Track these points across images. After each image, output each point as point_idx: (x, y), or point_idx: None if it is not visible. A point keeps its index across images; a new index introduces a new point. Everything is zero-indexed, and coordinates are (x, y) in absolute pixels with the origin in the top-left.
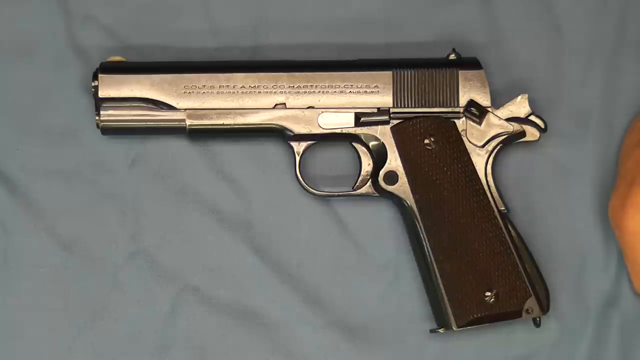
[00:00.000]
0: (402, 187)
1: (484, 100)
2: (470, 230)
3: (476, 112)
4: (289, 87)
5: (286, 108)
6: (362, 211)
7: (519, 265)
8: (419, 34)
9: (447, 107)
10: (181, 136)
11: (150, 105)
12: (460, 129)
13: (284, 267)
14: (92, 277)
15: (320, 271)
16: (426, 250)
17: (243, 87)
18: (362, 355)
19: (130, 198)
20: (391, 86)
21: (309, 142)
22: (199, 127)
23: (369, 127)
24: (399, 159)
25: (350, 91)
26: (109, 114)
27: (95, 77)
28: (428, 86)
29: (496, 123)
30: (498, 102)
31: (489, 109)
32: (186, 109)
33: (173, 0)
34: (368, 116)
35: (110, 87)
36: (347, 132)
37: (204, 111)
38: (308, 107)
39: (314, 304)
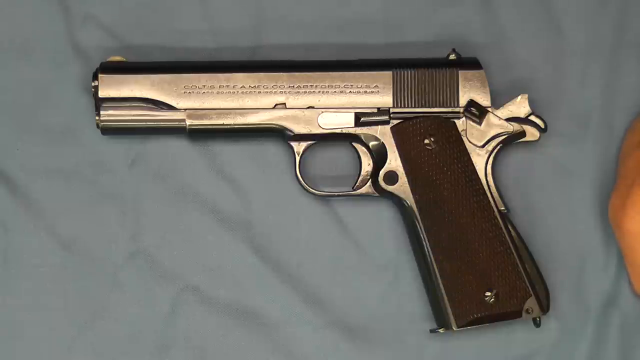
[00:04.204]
0: (402, 187)
1: (484, 100)
2: (470, 230)
3: (476, 112)
4: (289, 87)
5: (286, 108)
6: (362, 211)
7: (519, 265)
8: (419, 34)
9: (447, 107)
10: (181, 136)
11: (150, 105)
12: (460, 129)
13: (284, 267)
14: (92, 277)
15: (320, 271)
16: (426, 250)
17: (243, 87)
18: (362, 355)
19: (130, 198)
20: (391, 86)
21: (309, 142)
22: (199, 127)
23: (369, 127)
24: (399, 159)
25: (350, 91)
26: (109, 114)
27: (95, 77)
28: (428, 86)
29: (496, 123)
30: (498, 102)
31: (489, 109)
32: (186, 109)
33: (173, 0)
34: (368, 116)
35: (110, 87)
36: (347, 132)
37: (204, 111)
38: (308, 107)
39: (314, 304)
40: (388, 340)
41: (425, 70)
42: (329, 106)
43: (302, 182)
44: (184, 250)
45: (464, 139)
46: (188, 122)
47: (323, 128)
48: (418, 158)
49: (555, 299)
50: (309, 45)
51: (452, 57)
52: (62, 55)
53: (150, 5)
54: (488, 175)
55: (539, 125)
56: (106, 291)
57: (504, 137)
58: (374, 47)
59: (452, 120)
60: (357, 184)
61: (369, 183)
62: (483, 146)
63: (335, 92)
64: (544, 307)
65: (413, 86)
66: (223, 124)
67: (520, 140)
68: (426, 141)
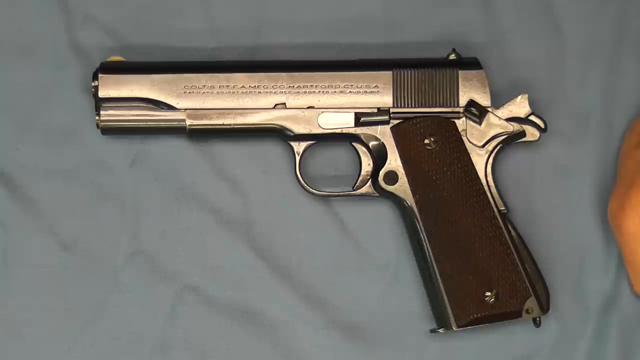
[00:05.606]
0: (402, 187)
1: (484, 100)
2: (470, 230)
3: (476, 112)
4: (289, 87)
5: (286, 108)
6: (362, 211)
7: (519, 265)
8: (419, 34)
9: (447, 107)
10: (181, 136)
11: (150, 105)
12: (460, 129)
13: (284, 267)
14: (92, 277)
15: (320, 271)
16: (426, 250)
17: (243, 87)
18: (362, 355)
19: (130, 198)
20: (391, 86)
21: (309, 142)
22: (199, 127)
23: (369, 127)
24: (399, 159)
25: (350, 91)
26: (109, 114)
27: (95, 77)
28: (428, 86)
29: (496, 123)
30: (498, 102)
31: (489, 109)
32: (186, 109)
33: (173, 0)
34: (368, 116)
35: (110, 87)
36: (347, 132)
37: (204, 111)
38: (308, 107)
39: (314, 304)
40: (388, 340)
41: (425, 70)
42: (329, 106)
43: (302, 182)
44: (184, 250)
45: (464, 139)
46: (188, 122)
47: (323, 128)
48: (418, 158)
49: (555, 299)
50: (309, 45)
51: (452, 57)
52: (62, 56)
53: (150, 5)
54: (488, 175)
55: (539, 125)
56: (106, 291)
57: (504, 137)
58: (374, 47)
59: (452, 120)
60: (357, 184)
61: (369, 183)
62: (483, 146)
63: (335, 92)
64: (544, 307)
65: (413, 86)
66: (223, 124)
67: (520, 140)
68: (426, 141)
